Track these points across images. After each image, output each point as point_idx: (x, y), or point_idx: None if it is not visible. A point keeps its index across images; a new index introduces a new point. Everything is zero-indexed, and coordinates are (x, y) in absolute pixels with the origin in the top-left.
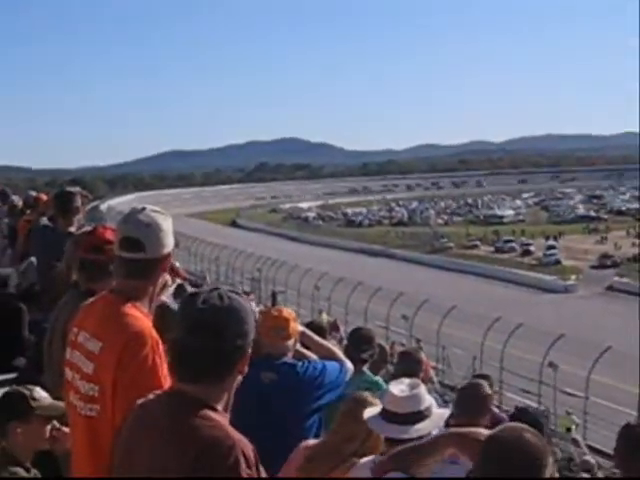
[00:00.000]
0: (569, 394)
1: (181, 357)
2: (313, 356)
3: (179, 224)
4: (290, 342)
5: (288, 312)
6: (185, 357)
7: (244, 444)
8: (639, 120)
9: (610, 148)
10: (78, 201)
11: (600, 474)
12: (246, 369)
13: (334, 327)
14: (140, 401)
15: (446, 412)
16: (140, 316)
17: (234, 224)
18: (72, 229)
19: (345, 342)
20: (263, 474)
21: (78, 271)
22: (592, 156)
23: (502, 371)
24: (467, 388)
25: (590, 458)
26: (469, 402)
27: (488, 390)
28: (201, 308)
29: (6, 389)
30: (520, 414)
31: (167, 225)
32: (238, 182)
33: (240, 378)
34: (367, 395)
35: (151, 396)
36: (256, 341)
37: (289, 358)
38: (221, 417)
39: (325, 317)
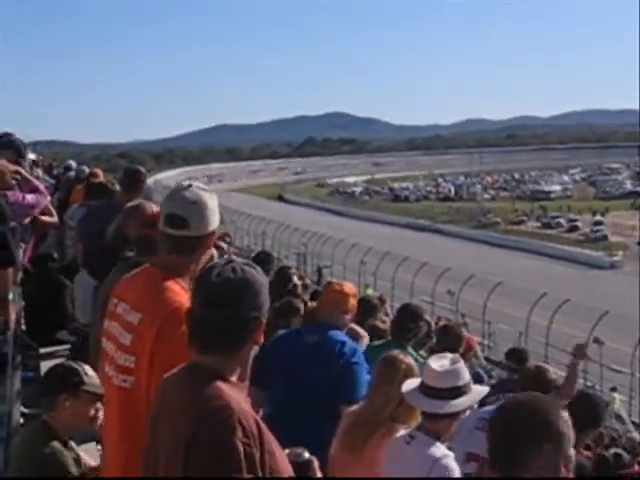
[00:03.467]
0: (615, 370)
1: (197, 329)
2: (365, 336)
3: (225, 198)
4: (347, 316)
5: (350, 288)
6: (200, 329)
7: (244, 414)
8: None
9: None
10: (145, 180)
11: None
12: (262, 339)
13: (380, 301)
14: (166, 375)
15: (485, 389)
16: (181, 292)
17: (280, 198)
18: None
19: (392, 317)
20: (269, 444)
21: (132, 244)
22: None
23: (547, 347)
24: (533, 371)
25: (636, 435)
26: (533, 384)
27: (552, 375)
28: (215, 281)
29: (54, 362)
30: (580, 398)
31: (212, 203)
32: (286, 156)
33: (256, 348)
34: (397, 354)
35: (175, 370)
36: (313, 310)
37: (340, 327)
38: (231, 387)
39: (371, 292)
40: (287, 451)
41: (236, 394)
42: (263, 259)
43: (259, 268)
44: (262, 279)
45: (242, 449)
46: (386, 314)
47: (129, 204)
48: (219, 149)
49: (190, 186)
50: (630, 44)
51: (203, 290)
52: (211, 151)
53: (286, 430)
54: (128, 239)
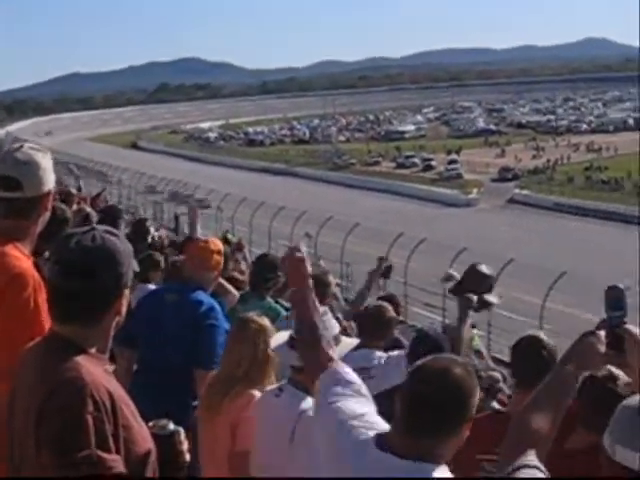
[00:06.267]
0: None
1: (56, 299)
2: (234, 291)
3: (79, 148)
4: (211, 274)
5: (214, 243)
6: (59, 299)
7: (97, 387)
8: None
9: (509, 61)
10: None
11: (505, 387)
12: (124, 310)
13: (239, 247)
14: (29, 344)
15: (353, 341)
16: (21, 257)
17: (135, 146)
18: None
19: (250, 265)
20: (124, 418)
21: None
22: (491, 69)
23: (406, 286)
24: (372, 310)
25: (495, 373)
26: (373, 323)
27: (391, 313)
28: (72, 249)
29: None
30: (420, 338)
31: (46, 162)
32: (139, 104)
33: (118, 318)
34: (251, 315)
35: (37, 339)
36: (180, 267)
37: (203, 286)
38: (89, 358)
39: (230, 237)
40: (151, 423)
41: (93, 366)
42: (111, 213)
43: (122, 236)
44: (124, 247)
45: (92, 422)
46: (244, 258)
47: None
48: (71, 98)
49: (22, 146)
50: None
51: (61, 258)
52: (63, 100)
53: (146, 394)
54: None
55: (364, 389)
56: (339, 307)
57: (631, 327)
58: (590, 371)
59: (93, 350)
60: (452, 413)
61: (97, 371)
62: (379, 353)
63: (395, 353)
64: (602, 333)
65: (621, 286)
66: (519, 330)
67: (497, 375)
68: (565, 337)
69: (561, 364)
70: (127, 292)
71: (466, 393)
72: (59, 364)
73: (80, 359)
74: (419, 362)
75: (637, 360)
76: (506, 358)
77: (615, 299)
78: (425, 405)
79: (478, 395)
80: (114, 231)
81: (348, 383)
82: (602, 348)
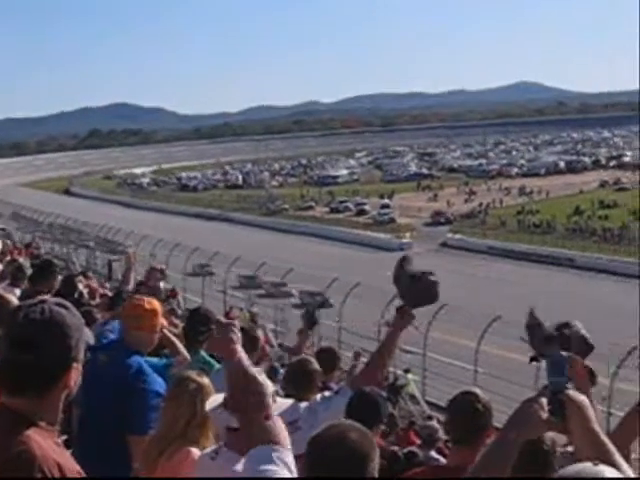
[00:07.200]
0: (407, 351)
1: (4, 371)
2: (185, 354)
3: (11, 194)
4: (143, 334)
5: (150, 303)
6: (8, 372)
7: (46, 461)
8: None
9: (440, 106)
10: None
11: (443, 435)
12: (73, 383)
13: (172, 294)
14: None
15: (287, 402)
16: None
17: (67, 192)
18: None
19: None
20: None
21: None
22: (423, 114)
23: (341, 331)
24: (295, 364)
25: (433, 422)
26: (296, 377)
27: (315, 366)
28: (20, 323)
29: None
30: (358, 397)
31: None
32: (71, 149)
33: (67, 391)
34: (189, 374)
35: None
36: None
37: (137, 347)
38: (38, 431)
39: (163, 285)
40: None
41: (43, 439)
42: (44, 267)
43: (73, 308)
44: (72, 320)
45: None
46: (178, 305)
47: None
48: (5, 144)
49: None
50: (411, 25)
51: (10, 332)
52: None
53: (85, 457)
54: None
55: (292, 465)
56: (273, 353)
57: (572, 393)
58: (533, 437)
59: (43, 423)
60: (350, 478)
61: (47, 444)
62: (304, 404)
63: (322, 398)
64: (544, 399)
65: (563, 353)
66: (454, 374)
67: (435, 424)
68: (500, 380)
69: (503, 431)
70: (77, 365)
71: (363, 457)
72: (8, 438)
73: (30, 432)
74: (317, 430)
75: (579, 426)
76: (441, 403)
77: (556, 365)
78: (323, 471)
79: (377, 458)
80: (65, 303)
81: (280, 461)
82: (544, 414)
